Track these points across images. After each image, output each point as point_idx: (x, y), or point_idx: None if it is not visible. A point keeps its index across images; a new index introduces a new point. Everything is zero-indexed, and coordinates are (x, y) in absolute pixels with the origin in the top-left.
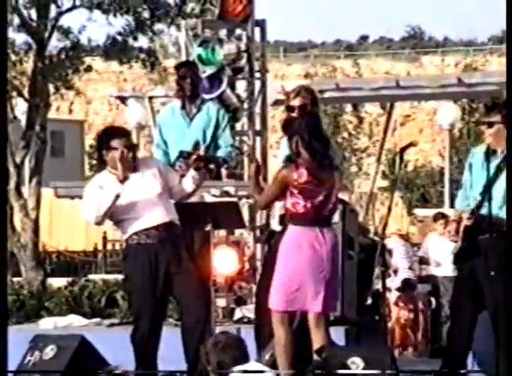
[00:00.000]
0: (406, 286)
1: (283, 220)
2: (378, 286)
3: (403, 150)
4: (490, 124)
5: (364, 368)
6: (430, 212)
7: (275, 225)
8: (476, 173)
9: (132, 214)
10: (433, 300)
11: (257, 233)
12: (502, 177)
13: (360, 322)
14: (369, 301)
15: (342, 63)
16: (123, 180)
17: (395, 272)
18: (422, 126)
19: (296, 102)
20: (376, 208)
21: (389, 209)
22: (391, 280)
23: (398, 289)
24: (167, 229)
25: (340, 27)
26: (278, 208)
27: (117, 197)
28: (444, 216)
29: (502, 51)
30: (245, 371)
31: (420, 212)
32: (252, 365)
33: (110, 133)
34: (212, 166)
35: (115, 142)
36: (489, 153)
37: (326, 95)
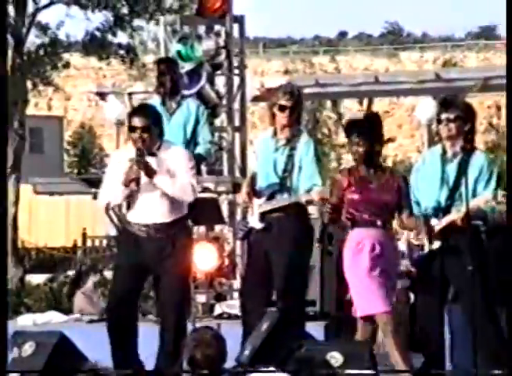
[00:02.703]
0: None
1: (264, 216)
2: None
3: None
4: (448, 121)
5: (343, 363)
6: None
7: (254, 223)
8: (431, 176)
9: (134, 199)
10: (411, 295)
11: (237, 228)
12: (468, 175)
13: (340, 317)
14: (348, 296)
15: (321, 59)
16: (138, 158)
17: None
18: (401, 122)
19: (288, 102)
20: None
21: None
22: None
23: None
24: (158, 229)
25: (319, 23)
26: (257, 206)
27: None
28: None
29: (480, 46)
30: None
31: None
32: None
33: (133, 112)
34: None
35: (134, 121)
36: (445, 155)
37: (306, 91)
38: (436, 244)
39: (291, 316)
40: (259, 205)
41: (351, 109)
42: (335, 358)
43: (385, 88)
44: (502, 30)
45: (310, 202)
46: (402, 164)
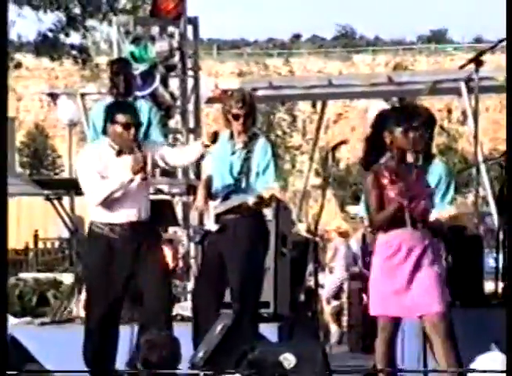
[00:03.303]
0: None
1: (219, 218)
2: (311, 283)
3: (334, 147)
4: (117, 124)
5: (296, 364)
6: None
7: (209, 225)
8: None
9: (108, 201)
10: (364, 297)
11: (191, 231)
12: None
13: (293, 318)
14: (302, 297)
15: (275, 61)
16: (118, 154)
17: (331, 271)
18: (354, 124)
19: (241, 111)
20: (310, 205)
21: (321, 206)
22: (327, 277)
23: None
24: (133, 228)
25: (272, 26)
26: (212, 208)
27: (123, 185)
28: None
29: (431, 50)
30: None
31: (352, 209)
32: None
33: (117, 107)
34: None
35: (120, 117)
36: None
37: (260, 93)
38: None
39: (246, 317)
40: (214, 207)
41: (305, 111)
42: (288, 360)
43: (338, 90)
44: (452, 34)
45: (267, 204)
46: (355, 166)
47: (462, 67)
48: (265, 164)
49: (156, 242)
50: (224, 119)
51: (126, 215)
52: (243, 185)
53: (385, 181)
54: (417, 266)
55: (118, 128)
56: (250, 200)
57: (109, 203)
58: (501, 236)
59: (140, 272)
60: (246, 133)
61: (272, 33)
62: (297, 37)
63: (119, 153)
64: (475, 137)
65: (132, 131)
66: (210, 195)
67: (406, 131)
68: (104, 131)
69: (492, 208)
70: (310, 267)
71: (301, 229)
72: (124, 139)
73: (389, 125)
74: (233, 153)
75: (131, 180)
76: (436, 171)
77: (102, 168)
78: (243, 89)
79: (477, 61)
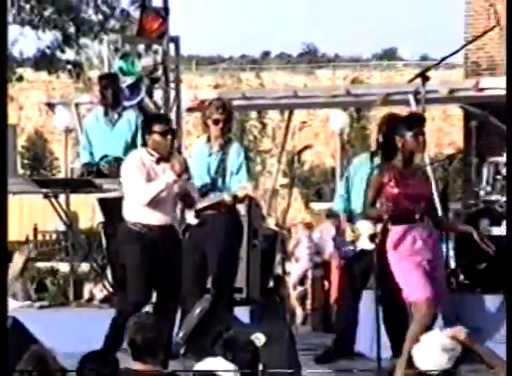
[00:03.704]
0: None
1: (199, 214)
2: (279, 271)
3: (300, 151)
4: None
5: (266, 342)
6: (323, 206)
7: (190, 219)
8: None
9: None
10: (326, 283)
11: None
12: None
13: (263, 302)
14: (271, 284)
15: (247, 75)
16: (158, 161)
17: (297, 260)
18: (317, 131)
19: (221, 116)
20: (278, 202)
21: (288, 203)
22: (293, 266)
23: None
24: (168, 229)
25: (245, 44)
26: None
27: (168, 185)
28: (334, 215)
29: (383, 66)
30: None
31: (315, 206)
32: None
33: (153, 119)
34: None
35: (156, 127)
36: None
37: (234, 103)
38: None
39: (222, 301)
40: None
41: (274, 119)
42: (258, 338)
43: (303, 101)
44: (402, 53)
45: (241, 201)
46: (318, 168)
47: (410, 81)
48: (238, 165)
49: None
50: (202, 125)
51: (164, 217)
52: (220, 184)
53: (388, 180)
54: (433, 254)
55: (157, 137)
56: (227, 198)
57: (152, 204)
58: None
59: (164, 268)
60: (222, 137)
61: (245, 50)
62: (266, 54)
63: (159, 160)
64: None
65: (169, 137)
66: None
67: (416, 135)
68: (144, 143)
69: (437, 204)
70: (278, 257)
71: (271, 223)
72: (163, 146)
73: (400, 130)
74: (210, 155)
75: (175, 181)
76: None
77: (146, 174)
78: (223, 98)
79: (424, 76)
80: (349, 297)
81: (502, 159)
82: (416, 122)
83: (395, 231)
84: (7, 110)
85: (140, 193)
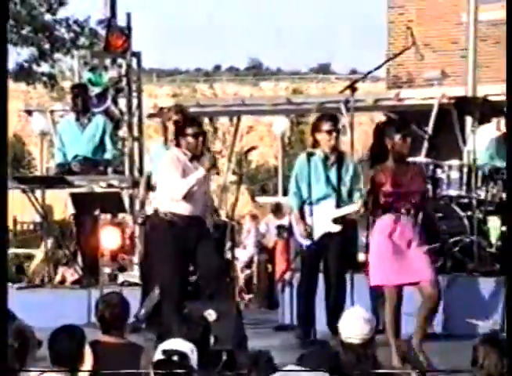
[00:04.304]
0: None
1: None
2: (229, 256)
3: (247, 152)
4: (328, 132)
5: (217, 318)
6: (268, 200)
7: (150, 211)
8: (316, 174)
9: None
10: (269, 266)
11: (136, 216)
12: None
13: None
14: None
15: (201, 86)
16: (191, 160)
17: (245, 247)
18: (262, 135)
19: (180, 118)
20: (228, 197)
21: (237, 198)
22: (241, 252)
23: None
24: (197, 220)
25: (200, 58)
26: (153, 198)
27: (199, 180)
28: (278, 209)
29: (319, 78)
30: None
31: (260, 200)
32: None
33: (185, 123)
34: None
35: (189, 130)
36: (326, 157)
37: (190, 110)
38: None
39: None
40: (154, 198)
41: (224, 124)
42: (211, 315)
43: (249, 109)
44: (334, 67)
45: None
46: (263, 167)
47: (341, 92)
48: None
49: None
50: (162, 129)
51: (194, 209)
52: None
53: (383, 178)
54: (410, 243)
55: (189, 139)
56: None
57: (185, 198)
58: (370, 219)
59: (199, 251)
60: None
61: (199, 64)
62: (218, 67)
63: (192, 159)
64: (351, 145)
65: (200, 139)
66: (150, 188)
67: (404, 137)
68: (177, 144)
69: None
70: (228, 244)
71: (222, 215)
72: (195, 147)
73: (389, 133)
74: None
75: (205, 176)
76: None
77: (181, 171)
78: (181, 104)
79: (352, 88)
80: (307, 280)
81: (419, 159)
82: (402, 126)
83: (381, 221)
84: (7, 111)
85: (176, 188)
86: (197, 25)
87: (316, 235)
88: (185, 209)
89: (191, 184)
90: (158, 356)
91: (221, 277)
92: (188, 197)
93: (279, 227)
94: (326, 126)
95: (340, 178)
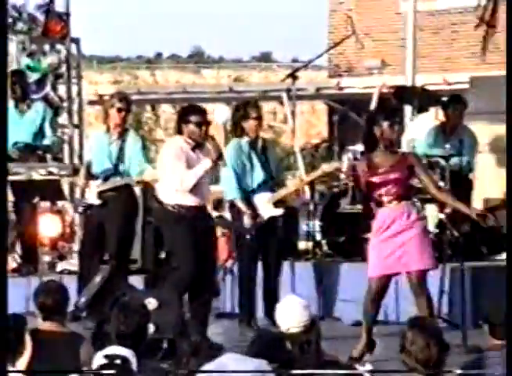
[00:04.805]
0: None
1: (101, 195)
2: None
3: None
4: (256, 119)
5: (158, 306)
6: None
7: (92, 200)
8: (250, 162)
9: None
10: None
11: (76, 204)
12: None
13: (156, 271)
14: (163, 255)
15: (143, 73)
16: (193, 148)
17: None
18: None
19: (124, 106)
20: None
21: None
22: None
23: None
24: (203, 211)
25: (141, 45)
26: (95, 186)
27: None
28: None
29: (261, 67)
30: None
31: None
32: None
33: (189, 110)
34: None
35: (192, 118)
36: (254, 144)
37: (131, 97)
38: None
39: (119, 271)
40: (97, 186)
41: (166, 111)
42: (151, 303)
43: (192, 96)
44: (276, 56)
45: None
46: None
47: (283, 80)
48: (136, 152)
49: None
50: (104, 115)
51: (200, 198)
52: (120, 169)
53: (365, 167)
54: (401, 233)
55: (192, 127)
56: (128, 181)
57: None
58: (311, 207)
59: (202, 244)
60: (121, 126)
61: (141, 51)
62: (159, 55)
63: (194, 147)
64: (293, 133)
65: (203, 127)
66: (90, 176)
67: (392, 124)
68: (179, 131)
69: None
70: None
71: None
72: (197, 135)
73: (378, 121)
74: (110, 143)
75: (212, 167)
76: None
77: (185, 161)
78: (124, 92)
79: (294, 76)
80: (247, 268)
81: (359, 147)
82: (391, 113)
83: (377, 213)
84: (6, 108)
85: (183, 180)
86: (138, 12)
87: (262, 220)
88: (191, 201)
89: (199, 175)
90: (100, 360)
91: (212, 274)
92: (194, 188)
93: (219, 217)
94: (253, 113)
95: (269, 164)
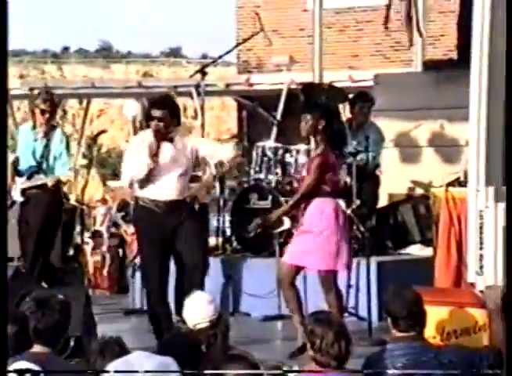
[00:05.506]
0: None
1: (25, 192)
2: (78, 240)
3: (96, 136)
4: (154, 119)
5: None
6: (119, 184)
7: (16, 197)
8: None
9: (151, 179)
10: (120, 251)
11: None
12: None
13: (63, 268)
14: (71, 252)
15: (50, 67)
16: (159, 141)
17: (96, 231)
18: (113, 118)
19: (47, 107)
20: (78, 181)
21: (86, 181)
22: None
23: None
24: (174, 205)
25: (47, 40)
26: (19, 183)
27: (150, 169)
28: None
29: (170, 62)
30: None
31: (112, 184)
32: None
33: (152, 104)
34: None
35: (153, 112)
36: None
37: (35, 92)
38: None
39: (27, 269)
40: (21, 183)
41: (74, 107)
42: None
43: (100, 91)
44: (186, 51)
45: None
46: (114, 150)
47: (192, 76)
48: (61, 151)
49: (191, 214)
50: (30, 112)
51: (168, 193)
52: (44, 166)
53: (328, 165)
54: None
55: (155, 122)
56: (50, 181)
57: (150, 181)
58: (221, 203)
59: (179, 236)
60: (46, 125)
61: (47, 45)
62: (66, 49)
63: (158, 141)
64: (202, 128)
65: (168, 120)
66: (16, 173)
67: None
68: (147, 125)
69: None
70: (78, 228)
71: (71, 198)
72: (159, 130)
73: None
74: (35, 140)
75: (178, 158)
76: None
77: (149, 153)
78: (50, 91)
79: (203, 72)
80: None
81: (268, 143)
82: (333, 117)
83: (314, 204)
84: (6, 112)
85: (135, 171)
86: (44, 5)
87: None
88: (160, 194)
89: (148, 163)
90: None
91: (199, 268)
92: (161, 180)
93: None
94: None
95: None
